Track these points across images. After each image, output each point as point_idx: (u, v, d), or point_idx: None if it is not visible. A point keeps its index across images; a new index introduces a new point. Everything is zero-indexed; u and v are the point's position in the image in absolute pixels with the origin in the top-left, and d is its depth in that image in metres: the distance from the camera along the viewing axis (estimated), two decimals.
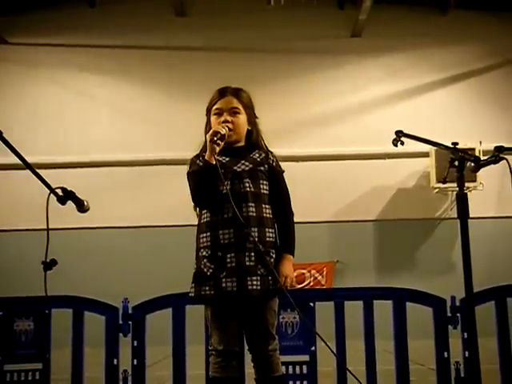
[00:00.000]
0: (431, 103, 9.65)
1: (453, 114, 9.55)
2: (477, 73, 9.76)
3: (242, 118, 2.69)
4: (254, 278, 2.53)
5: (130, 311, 3.63)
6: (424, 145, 2.78)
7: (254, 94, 2.80)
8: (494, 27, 9.66)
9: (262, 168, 2.68)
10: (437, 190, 9.09)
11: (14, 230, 9.06)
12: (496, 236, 9.14)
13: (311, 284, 9.04)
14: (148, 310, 3.68)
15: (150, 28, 9.75)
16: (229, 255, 2.55)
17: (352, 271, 9.07)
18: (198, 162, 2.66)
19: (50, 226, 2.12)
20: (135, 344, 3.57)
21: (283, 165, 2.79)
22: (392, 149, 2.87)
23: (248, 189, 2.62)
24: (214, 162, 2.51)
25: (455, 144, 2.60)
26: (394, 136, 2.64)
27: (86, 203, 2.16)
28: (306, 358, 3.52)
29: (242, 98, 2.71)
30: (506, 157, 2.49)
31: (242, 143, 2.73)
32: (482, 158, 2.62)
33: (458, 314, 3.54)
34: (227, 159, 2.66)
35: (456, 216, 2.58)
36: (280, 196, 2.72)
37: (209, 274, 2.56)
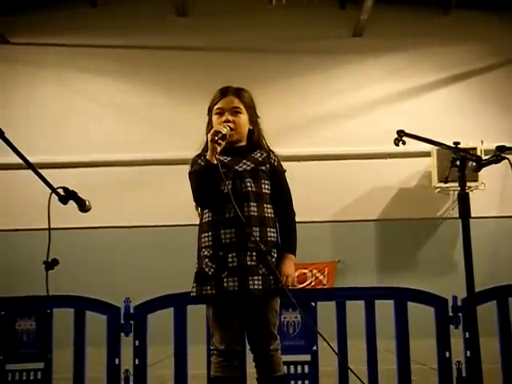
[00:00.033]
0: (433, 103, 9.65)
1: (454, 113, 9.55)
2: (478, 72, 9.76)
3: (244, 118, 2.69)
4: (256, 277, 2.53)
5: (131, 311, 3.63)
6: (426, 144, 2.77)
7: (255, 93, 2.80)
8: (495, 27, 9.66)
9: (263, 168, 2.68)
10: (438, 190, 9.09)
11: (15, 229, 9.08)
12: (498, 236, 9.14)
13: (313, 284, 9.04)
14: (150, 310, 3.68)
15: (152, 28, 9.76)
16: (230, 255, 2.55)
17: (353, 271, 9.08)
18: (199, 161, 2.66)
19: (52, 226, 2.12)
20: (137, 343, 3.58)
21: (285, 164, 2.79)
22: (393, 148, 2.88)
23: (249, 188, 2.62)
24: (216, 162, 2.51)
25: (457, 143, 2.60)
26: (396, 135, 2.64)
27: (87, 203, 2.17)
28: (307, 357, 3.52)
29: (243, 98, 2.71)
30: (507, 156, 2.49)
31: (243, 143, 2.73)
32: (484, 157, 2.62)
33: (460, 314, 3.53)
34: (229, 159, 2.66)
35: (458, 216, 2.58)
36: (281, 195, 2.72)
37: (210, 273, 2.56)
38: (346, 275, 9.13)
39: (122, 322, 3.61)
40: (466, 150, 2.59)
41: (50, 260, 2.11)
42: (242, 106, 2.69)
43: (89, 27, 9.81)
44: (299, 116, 9.56)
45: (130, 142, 9.41)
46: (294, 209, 2.75)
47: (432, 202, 9.35)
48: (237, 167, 2.64)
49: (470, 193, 2.58)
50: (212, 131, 2.56)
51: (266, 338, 2.60)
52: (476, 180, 8.38)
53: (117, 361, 3.57)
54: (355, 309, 3.59)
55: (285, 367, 2.97)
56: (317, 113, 9.61)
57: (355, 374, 2.83)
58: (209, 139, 2.54)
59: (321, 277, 9.16)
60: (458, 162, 2.55)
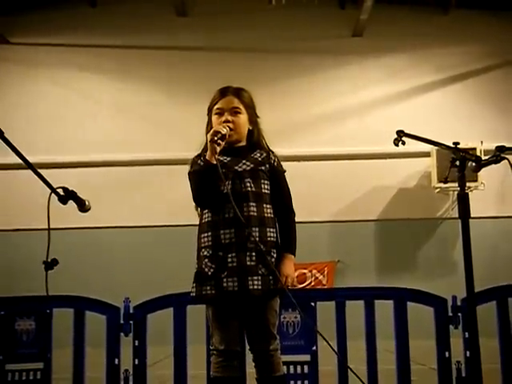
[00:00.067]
0: (432, 103, 9.65)
1: (454, 113, 9.55)
2: (477, 73, 9.77)
3: (243, 118, 2.69)
4: (255, 277, 2.53)
5: (131, 311, 3.63)
6: (425, 145, 2.77)
7: (254, 93, 2.80)
8: (495, 27, 9.67)
9: (263, 168, 2.68)
10: (438, 190, 9.10)
11: (15, 229, 9.07)
12: (497, 236, 9.15)
13: (312, 284, 9.04)
14: (149, 310, 3.68)
15: (151, 28, 9.77)
16: (230, 255, 2.55)
17: (353, 271, 9.08)
18: (199, 161, 2.66)
19: (52, 226, 2.12)
20: (136, 344, 3.57)
21: (284, 164, 2.78)
22: (393, 149, 2.88)
23: (249, 188, 2.62)
24: (215, 162, 2.50)
25: (456, 144, 2.60)
26: (396, 136, 2.64)
27: (87, 203, 2.16)
28: (307, 357, 3.52)
29: (243, 98, 2.71)
30: (507, 156, 2.49)
31: (243, 143, 2.73)
32: (483, 157, 2.62)
33: (460, 314, 3.53)
34: (228, 159, 2.66)
35: (457, 216, 2.58)
36: (281, 196, 2.72)
37: (210, 273, 2.56)
38: (346, 275, 9.13)
39: (122, 322, 3.61)
40: (465, 151, 2.58)
41: (49, 260, 2.10)
42: (241, 106, 2.69)
43: (88, 27, 9.81)
44: (299, 116, 9.56)
45: (130, 142, 9.41)
46: (294, 209, 2.75)
47: (432, 202, 9.35)
48: (236, 167, 2.64)
49: (470, 193, 2.58)
50: (211, 131, 2.56)
51: (265, 338, 2.60)
52: (475, 180, 8.39)
53: (116, 361, 3.56)
54: (355, 309, 3.59)
55: (284, 367, 2.98)
56: (316, 113, 9.61)
57: (355, 374, 2.83)
58: (208, 139, 2.54)
59: (320, 277, 9.16)
60: (457, 163, 2.55)
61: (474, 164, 2.55)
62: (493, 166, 2.55)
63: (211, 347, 2.65)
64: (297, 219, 2.74)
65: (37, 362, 3.57)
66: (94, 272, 8.89)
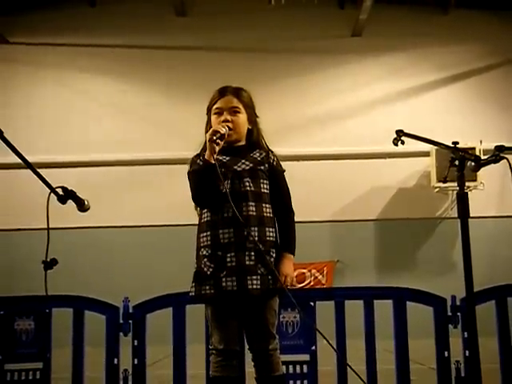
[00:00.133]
0: (432, 103, 9.65)
1: (453, 113, 9.56)
2: (477, 72, 9.77)
3: (243, 118, 2.69)
4: (254, 277, 2.53)
5: (130, 310, 3.63)
6: (424, 144, 2.77)
7: (254, 93, 2.80)
8: (494, 26, 9.67)
9: (262, 167, 2.68)
10: (437, 190, 9.10)
11: (15, 229, 9.07)
12: (496, 235, 9.15)
13: (311, 283, 9.04)
14: (148, 310, 3.68)
15: (151, 28, 9.77)
16: (229, 254, 2.55)
17: (352, 270, 9.08)
18: (198, 161, 2.66)
19: (51, 226, 2.12)
20: (136, 343, 3.57)
21: (284, 164, 2.78)
22: (392, 148, 2.88)
23: (248, 188, 2.62)
24: (214, 162, 2.50)
25: (456, 143, 2.60)
26: (395, 135, 2.64)
27: (86, 202, 2.16)
28: (306, 357, 3.52)
29: (242, 98, 2.71)
30: (506, 156, 2.49)
31: (242, 142, 2.73)
32: (483, 157, 2.62)
33: (459, 314, 3.53)
34: (227, 158, 2.66)
35: (456, 215, 2.58)
36: (280, 195, 2.72)
37: (209, 273, 2.56)
38: (345, 275, 9.13)
39: (121, 321, 3.61)
40: (464, 150, 2.58)
41: (48, 260, 2.10)
42: (240, 106, 2.69)
43: (88, 27, 9.81)
44: (298, 116, 9.56)
45: (130, 141, 9.41)
46: (293, 208, 2.75)
47: (431, 201, 9.36)
48: (235, 167, 2.64)
49: (469, 193, 2.58)
50: (210, 131, 2.56)
51: (264, 337, 2.60)
52: (475, 180, 8.39)
53: (116, 360, 3.56)
54: (354, 308, 3.59)
55: (284, 367, 2.97)
56: (316, 112, 9.61)
57: (354, 372, 2.83)
58: (207, 139, 2.54)
59: (320, 276, 9.16)
60: (456, 162, 2.55)
61: (473, 163, 2.55)
62: (492, 165, 2.55)
63: (210, 347, 2.65)
64: (296, 219, 2.74)
65: (36, 362, 3.57)
66: (93, 272, 8.89)
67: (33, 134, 9.16)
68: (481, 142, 8.70)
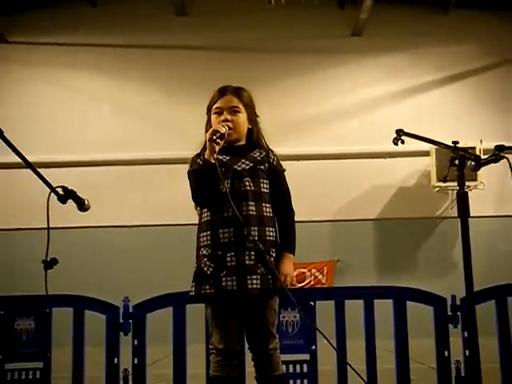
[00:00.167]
0: (432, 102, 9.65)
1: (453, 112, 9.56)
2: (478, 72, 9.77)
3: (243, 117, 2.69)
4: (254, 276, 2.53)
5: (130, 310, 3.63)
6: (424, 144, 2.77)
7: (254, 93, 2.80)
8: (494, 26, 9.68)
9: (262, 167, 2.68)
10: (437, 189, 9.10)
11: (14, 229, 9.07)
12: (496, 235, 9.15)
13: (312, 283, 9.04)
14: (149, 309, 3.68)
15: (151, 27, 9.77)
16: (229, 254, 2.55)
17: (352, 270, 9.08)
18: (198, 161, 2.66)
19: (51, 225, 2.12)
20: (136, 343, 3.57)
21: (284, 164, 2.78)
22: (393, 148, 2.88)
23: (248, 188, 2.62)
24: (214, 161, 2.50)
25: (456, 143, 2.60)
26: (395, 135, 2.64)
27: (86, 202, 2.16)
28: (306, 356, 3.52)
29: (242, 97, 2.71)
30: (506, 156, 2.49)
31: (242, 142, 2.73)
32: (483, 156, 2.62)
33: (459, 313, 3.53)
34: (227, 158, 2.66)
35: (456, 215, 2.58)
36: (280, 195, 2.72)
37: (209, 272, 2.56)
38: (345, 274, 9.13)
39: (121, 321, 3.61)
40: (464, 150, 2.58)
41: (49, 259, 2.10)
42: (240, 106, 2.69)
43: (88, 26, 9.81)
44: (298, 115, 9.56)
45: (129, 141, 9.42)
46: (293, 208, 2.75)
47: (431, 201, 9.36)
48: (235, 166, 2.64)
49: (469, 192, 2.58)
50: (210, 130, 2.56)
51: (264, 337, 2.60)
52: (475, 179, 8.39)
53: (116, 360, 3.56)
54: (354, 308, 3.59)
55: (284, 366, 2.97)
56: (316, 112, 9.61)
57: (355, 371, 2.83)
58: (207, 138, 2.54)
59: (320, 276, 9.16)
60: (456, 162, 2.55)
61: (473, 163, 2.55)
62: (492, 165, 2.55)
63: (210, 346, 2.65)
64: (296, 218, 2.74)
65: (36, 362, 3.57)
66: (93, 271, 8.89)
67: (33, 134, 9.16)
68: (481, 141, 8.70)
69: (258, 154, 2.71)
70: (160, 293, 3.72)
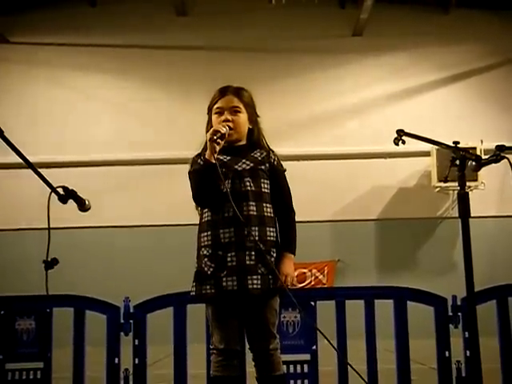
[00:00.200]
0: (432, 102, 9.65)
1: (454, 113, 9.55)
2: (478, 72, 9.77)
3: (243, 117, 2.69)
4: (255, 276, 2.53)
5: (131, 310, 3.63)
6: (425, 144, 2.77)
7: (254, 93, 2.80)
8: (495, 26, 9.66)
9: (262, 167, 2.68)
10: (438, 189, 9.10)
11: (15, 229, 9.08)
12: (497, 235, 9.15)
13: (312, 283, 9.04)
14: (149, 309, 3.68)
15: (151, 27, 9.77)
16: (229, 254, 2.55)
17: (353, 270, 9.08)
18: (199, 161, 2.66)
19: (52, 225, 2.12)
20: (136, 343, 3.57)
21: (284, 164, 2.78)
22: (393, 148, 2.87)
23: (249, 188, 2.61)
24: (214, 161, 2.50)
25: (456, 143, 2.60)
26: (396, 135, 2.64)
27: (87, 202, 2.16)
28: (307, 357, 3.51)
29: (242, 97, 2.71)
30: (507, 156, 2.49)
31: (243, 142, 2.73)
32: (484, 157, 2.62)
33: (459, 313, 3.53)
34: (228, 158, 2.66)
35: (457, 215, 2.58)
36: (281, 195, 2.72)
37: (209, 273, 2.56)
38: (346, 275, 9.13)
39: (122, 321, 3.61)
40: (465, 150, 2.59)
41: (49, 259, 2.10)
42: (241, 106, 2.69)
43: (88, 26, 9.81)
44: (299, 115, 9.56)
45: (130, 141, 9.42)
46: (294, 208, 2.75)
47: (432, 201, 9.35)
48: (236, 166, 2.64)
49: (470, 192, 2.58)
50: (211, 130, 2.56)
51: (265, 337, 2.60)
52: (476, 179, 8.39)
53: (116, 360, 3.56)
54: (355, 308, 3.59)
55: (284, 366, 2.97)
56: (316, 112, 9.61)
57: (355, 371, 2.83)
58: (208, 138, 2.54)
59: (320, 276, 9.16)
60: (457, 162, 2.55)
61: (474, 163, 2.55)
62: (493, 165, 2.55)
63: (211, 346, 2.65)
64: (297, 218, 2.74)
65: (37, 362, 3.57)
66: (94, 271, 8.90)
67: (33, 134, 9.16)
68: (481, 141, 8.69)
69: (258, 154, 2.71)
70: (161, 293, 3.72)
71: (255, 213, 2.59)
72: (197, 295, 2.60)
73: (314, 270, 9.12)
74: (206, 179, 2.55)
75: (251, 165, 2.66)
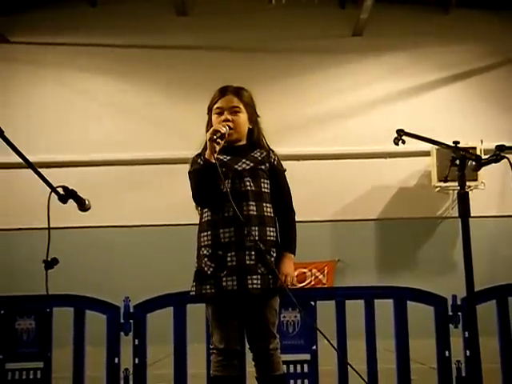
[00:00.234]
0: (432, 102, 9.65)
1: (454, 112, 9.55)
2: (478, 72, 9.76)
3: (243, 117, 2.69)
4: (255, 276, 2.53)
5: (131, 310, 3.64)
6: (425, 144, 2.77)
7: (254, 92, 2.80)
8: (495, 26, 9.66)
9: (262, 167, 2.68)
10: (438, 189, 9.10)
11: (15, 228, 9.07)
12: (497, 235, 9.15)
13: (312, 283, 9.04)
14: (149, 309, 3.68)
15: (151, 28, 9.77)
16: (229, 254, 2.55)
17: (353, 270, 9.08)
18: (199, 161, 2.66)
19: (52, 225, 2.12)
20: (136, 343, 3.58)
21: (284, 163, 2.79)
22: (393, 148, 2.88)
23: (249, 188, 2.62)
24: (214, 161, 2.51)
25: (456, 143, 2.60)
26: (396, 135, 2.64)
27: (87, 202, 2.16)
28: (307, 356, 3.52)
29: (242, 97, 2.71)
30: (507, 156, 2.49)
31: (243, 142, 2.73)
32: (484, 156, 2.62)
33: (459, 313, 3.53)
34: (228, 158, 2.66)
35: (457, 215, 2.58)
36: (281, 195, 2.72)
37: (209, 272, 2.56)
38: (346, 274, 9.13)
39: (122, 321, 3.61)
40: (465, 150, 2.59)
41: (49, 259, 2.10)
42: (241, 106, 2.69)
43: (88, 26, 9.81)
44: (299, 115, 9.56)
45: (130, 141, 9.42)
46: (294, 208, 2.75)
47: (432, 201, 9.35)
48: (236, 166, 2.64)
49: (470, 192, 2.58)
50: (211, 130, 2.56)
51: (265, 337, 2.60)
52: (476, 179, 8.39)
53: (116, 360, 3.57)
54: (355, 308, 3.59)
55: (284, 366, 2.97)
56: (316, 112, 9.61)
57: (355, 371, 2.83)
58: (207, 138, 2.55)
59: (320, 276, 9.16)
60: (457, 162, 2.56)
61: (474, 163, 2.55)
62: (493, 165, 2.55)
63: (211, 346, 2.65)
64: (297, 218, 2.74)
65: (37, 361, 3.57)
66: (94, 271, 8.89)
67: (33, 134, 9.16)
68: (481, 141, 8.69)
69: (258, 153, 2.71)
70: (160, 293, 3.72)
71: (255, 212, 2.59)
72: (197, 295, 2.60)
73: (313, 270, 9.12)
74: (205, 179, 2.55)
75: (251, 165, 2.66)
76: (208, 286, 2.56)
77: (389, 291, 3.82)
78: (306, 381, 3.49)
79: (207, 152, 2.53)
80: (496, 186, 8.95)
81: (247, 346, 2.68)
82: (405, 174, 9.48)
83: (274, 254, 2.63)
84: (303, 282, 8.92)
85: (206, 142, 2.57)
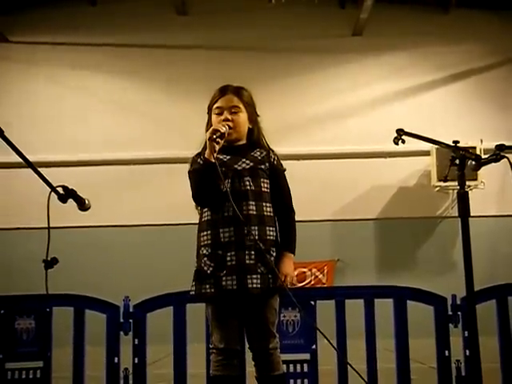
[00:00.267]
0: (432, 102, 9.65)
1: (454, 112, 9.55)
2: (478, 71, 9.76)
3: (243, 117, 2.69)
4: (254, 276, 2.53)
5: (131, 309, 3.64)
6: (425, 143, 2.78)
7: (254, 92, 2.80)
8: (495, 26, 9.66)
9: (262, 166, 2.68)
10: (438, 189, 9.10)
11: (15, 228, 9.07)
12: (497, 234, 9.15)
13: (312, 282, 9.04)
14: (149, 309, 3.68)
15: (151, 27, 9.76)
16: (229, 253, 2.55)
17: (353, 270, 9.08)
18: (198, 160, 2.66)
19: (51, 225, 2.12)
20: (136, 342, 3.58)
21: (284, 163, 2.79)
22: (393, 147, 2.88)
23: (248, 187, 2.62)
24: (214, 161, 2.50)
25: (456, 142, 2.60)
26: (395, 134, 2.64)
27: (86, 201, 2.16)
28: (306, 356, 3.52)
29: (242, 97, 2.71)
30: (506, 155, 2.49)
31: (243, 141, 2.73)
32: (483, 156, 2.62)
33: (459, 313, 3.53)
34: (228, 157, 2.66)
35: (457, 214, 2.58)
36: (281, 194, 2.72)
37: (209, 272, 2.56)
38: (346, 274, 9.13)
39: (122, 320, 3.61)
40: (465, 149, 2.59)
41: (49, 259, 2.10)
42: (241, 105, 2.69)
43: (88, 25, 9.80)
44: (299, 115, 9.55)
45: (130, 140, 9.41)
46: (294, 207, 2.75)
47: (431, 200, 9.35)
48: (236, 166, 2.64)
49: (470, 192, 2.59)
50: (210, 130, 2.56)
51: (265, 336, 2.60)
52: (475, 179, 8.39)
53: (116, 359, 3.57)
54: (354, 308, 3.59)
55: (284, 366, 2.97)
56: (316, 112, 9.60)
57: (355, 370, 2.83)
58: (207, 138, 2.54)
59: (320, 276, 9.16)
60: (457, 161, 2.56)
61: (473, 163, 2.56)
62: (493, 164, 2.55)
63: (211, 346, 2.65)
64: (296, 218, 2.74)
65: (37, 361, 3.57)
66: (93, 271, 8.89)
67: (33, 133, 9.15)
68: (481, 141, 8.69)
69: (258, 153, 2.71)
70: (160, 292, 3.72)
71: (255, 212, 2.59)
72: (196, 294, 2.60)
73: (313, 270, 9.12)
74: (205, 178, 2.55)
75: (251, 164, 2.66)
76: (208, 286, 2.56)
77: (389, 291, 3.82)
78: (305, 380, 3.49)
79: (207, 151, 2.53)
80: (496, 185, 8.95)
81: (247, 345, 2.68)
82: (404, 174, 9.48)
83: (274, 254, 2.63)
84: (303, 281, 8.91)
85: (206, 142, 2.57)
